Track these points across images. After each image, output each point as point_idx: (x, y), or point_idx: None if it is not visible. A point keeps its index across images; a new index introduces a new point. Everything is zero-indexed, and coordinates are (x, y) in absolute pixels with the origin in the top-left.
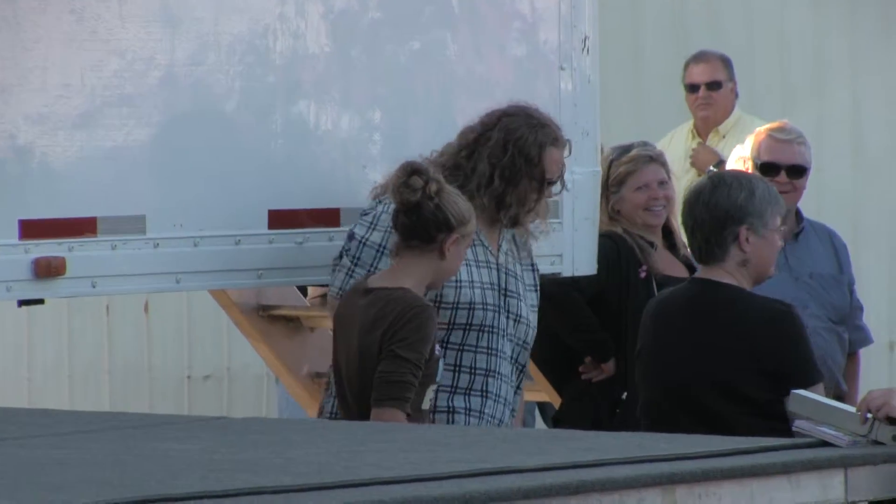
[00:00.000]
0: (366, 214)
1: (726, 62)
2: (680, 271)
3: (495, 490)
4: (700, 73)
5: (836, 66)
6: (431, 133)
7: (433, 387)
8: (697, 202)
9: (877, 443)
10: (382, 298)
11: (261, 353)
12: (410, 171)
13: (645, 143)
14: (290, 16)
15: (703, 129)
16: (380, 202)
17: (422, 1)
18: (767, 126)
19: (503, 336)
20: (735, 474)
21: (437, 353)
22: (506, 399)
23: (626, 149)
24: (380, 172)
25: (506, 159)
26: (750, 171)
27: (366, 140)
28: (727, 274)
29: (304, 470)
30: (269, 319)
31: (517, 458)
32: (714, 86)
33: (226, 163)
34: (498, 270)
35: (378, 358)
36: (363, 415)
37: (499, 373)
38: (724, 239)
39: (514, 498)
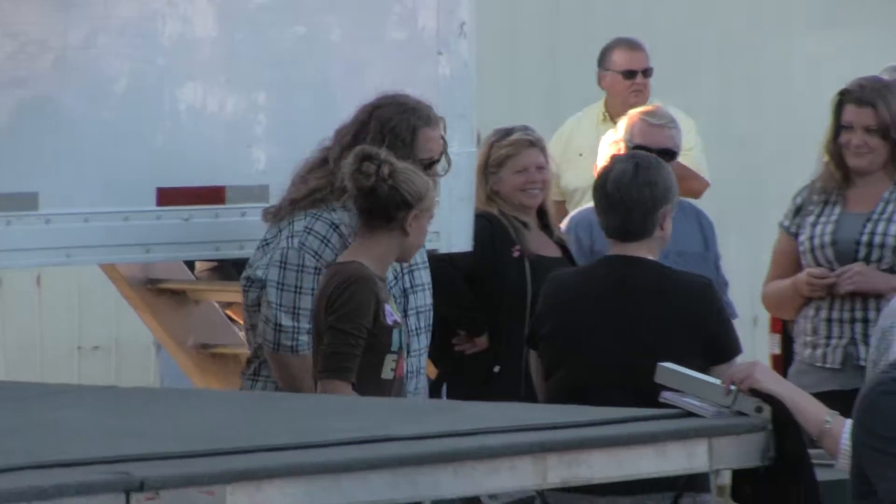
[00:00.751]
0: (267, 244)
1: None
2: (553, 251)
3: (375, 458)
4: (637, 61)
5: (705, 52)
6: (314, 115)
7: (392, 356)
8: (636, 180)
9: (740, 414)
10: (330, 272)
11: (148, 325)
12: (362, 157)
13: (525, 128)
14: (177, 1)
15: (623, 113)
16: (280, 230)
17: None
18: (640, 110)
19: (408, 315)
20: (604, 443)
21: (388, 321)
22: (418, 370)
23: (507, 132)
24: (264, 152)
25: (379, 138)
26: (622, 153)
27: (251, 121)
28: (647, 251)
29: (191, 437)
30: (156, 292)
31: (396, 426)
32: (649, 72)
33: (116, 142)
34: None
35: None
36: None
37: (409, 351)
38: (657, 217)
39: (392, 465)
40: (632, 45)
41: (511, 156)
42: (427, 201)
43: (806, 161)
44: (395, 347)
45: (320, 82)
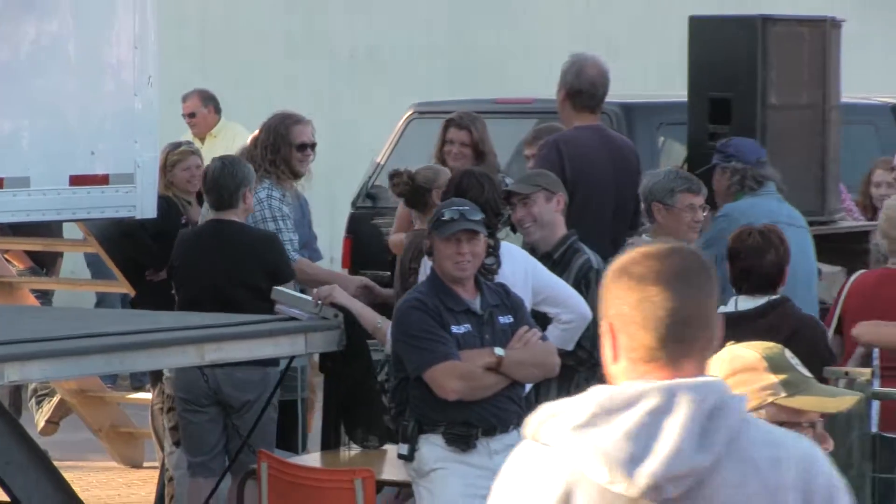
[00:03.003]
0: None
1: (204, 96)
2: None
3: (97, 345)
4: (185, 108)
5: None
6: (58, 136)
7: None
8: (223, 172)
9: (324, 318)
10: (409, 236)
11: None
12: (391, 176)
13: (189, 142)
14: None
15: (198, 135)
16: None
17: (50, 56)
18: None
19: None
20: (240, 336)
21: None
22: None
23: (177, 145)
24: (28, 157)
25: (270, 140)
26: None
27: (20, 137)
28: (235, 216)
29: None
30: None
31: (111, 326)
32: (192, 115)
33: None
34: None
35: None
36: None
37: None
38: (239, 195)
39: (107, 350)
40: (185, 97)
41: (180, 160)
42: (439, 181)
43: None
44: None
45: (62, 114)
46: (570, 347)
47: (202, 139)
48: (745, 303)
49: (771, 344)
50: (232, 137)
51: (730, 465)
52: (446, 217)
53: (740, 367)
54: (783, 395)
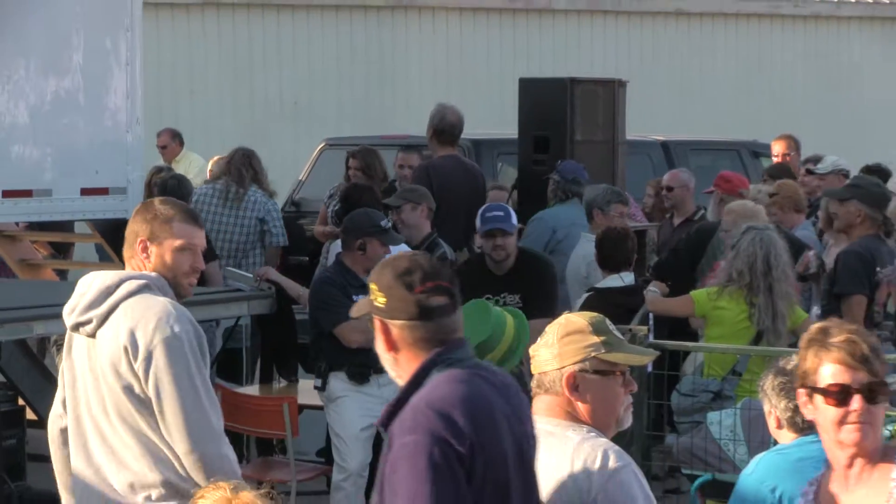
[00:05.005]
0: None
1: (172, 133)
2: None
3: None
4: (159, 142)
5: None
6: (73, 159)
7: None
8: (177, 186)
9: (261, 290)
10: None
11: (4, 253)
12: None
13: (169, 168)
14: (3, 101)
15: (167, 161)
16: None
17: (66, 102)
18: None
19: None
20: (205, 302)
21: None
22: None
23: (159, 169)
24: (50, 175)
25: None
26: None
27: (45, 160)
28: None
29: (7, 300)
30: (9, 239)
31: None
32: (164, 147)
33: None
34: None
35: None
36: None
37: None
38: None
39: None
40: (159, 134)
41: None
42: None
43: None
44: None
45: (75, 144)
46: None
47: (169, 164)
48: (628, 278)
49: (595, 314)
50: (190, 163)
51: (107, 325)
52: (388, 226)
53: (572, 329)
54: (603, 351)
